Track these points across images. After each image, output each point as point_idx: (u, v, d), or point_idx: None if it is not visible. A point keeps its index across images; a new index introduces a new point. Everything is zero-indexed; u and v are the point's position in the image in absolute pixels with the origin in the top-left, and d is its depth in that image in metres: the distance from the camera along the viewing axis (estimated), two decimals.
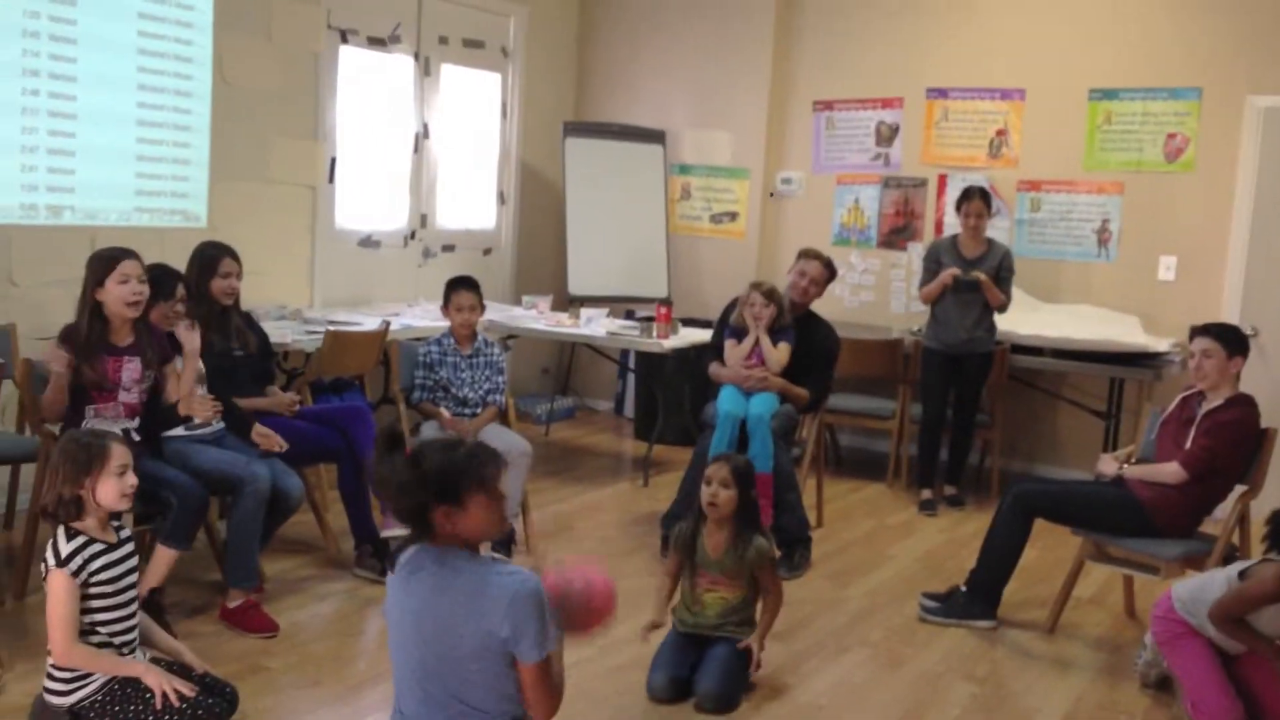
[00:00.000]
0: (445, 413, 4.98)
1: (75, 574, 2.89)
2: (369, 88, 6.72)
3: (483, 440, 4.32)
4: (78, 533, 2.94)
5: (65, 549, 2.90)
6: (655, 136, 7.85)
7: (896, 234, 7.33)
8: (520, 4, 7.66)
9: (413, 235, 7.14)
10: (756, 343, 5.09)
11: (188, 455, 4.00)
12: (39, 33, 5.00)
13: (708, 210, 7.88)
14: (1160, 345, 6.14)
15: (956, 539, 5.58)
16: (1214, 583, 3.54)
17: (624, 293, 7.60)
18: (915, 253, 7.16)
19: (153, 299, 3.97)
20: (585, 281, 7.43)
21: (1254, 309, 6.24)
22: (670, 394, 6.91)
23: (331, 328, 5.39)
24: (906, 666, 4.02)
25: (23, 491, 4.63)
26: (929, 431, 6.15)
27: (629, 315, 7.30)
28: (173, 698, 2.91)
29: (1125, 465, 4.33)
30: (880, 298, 7.39)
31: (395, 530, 4.44)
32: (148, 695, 2.91)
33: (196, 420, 4.04)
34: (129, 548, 3.06)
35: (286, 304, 6.04)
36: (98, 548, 2.94)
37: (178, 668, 3.08)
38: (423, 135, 7.12)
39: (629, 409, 7.90)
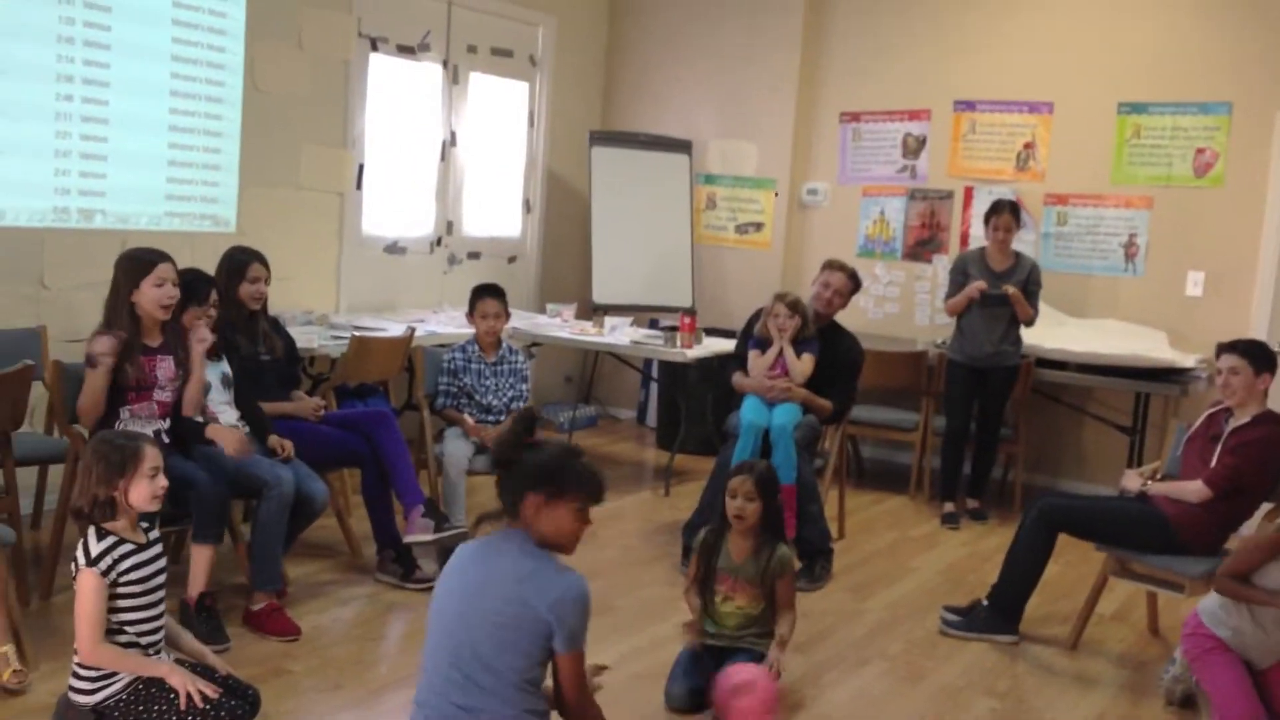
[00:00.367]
0: (469, 419, 5.01)
1: (105, 573, 2.92)
2: (398, 95, 6.77)
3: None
4: (108, 533, 2.97)
5: (95, 548, 2.93)
6: (681, 146, 7.87)
7: (922, 246, 7.32)
8: (549, 14, 7.70)
9: (439, 242, 7.18)
10: (780, 353, 5.09)
11: (214, 457, 4.03)
12: (74, 38, 5.07)
13: (733, 220, 7.88)
14: (1187, 361, 6.10)
15: (979, 553, 5.55)
16: None
17: (648, 302, 7.61)
18: (940, 265, 7.15)
19: (186, 303, 4.04)
20: (609, 290, 7.45)
21: None
22: (693, 403, 6.91)
23: (357, 333, 5.42)
24: (927, 680, 4.01)
25: (50, 492, 4.68)
26: (953, 444, 6.13)
27: (653, 324, 7.31)
28: (196, 699, 2.93)
29: (1150, 481, 4.30)
30: (905, 310, 7.38)
31: (418, 536, 4.48)
32: (172, 696, 2.94)
33: (221, 443, 4.03)
34: (157, 549, 3.09)
35: (313, 309, 6.08)
36: (128, 548, 2.97)
37: (201, 669, 3.10)
38: (450, 143, 7.16)
39: (651, 418, 7.90)
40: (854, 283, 5.32)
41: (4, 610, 3.40)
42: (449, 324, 6.29)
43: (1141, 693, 4.00)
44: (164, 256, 3.89)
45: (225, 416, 4.24)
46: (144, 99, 5.39)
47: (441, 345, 5.45)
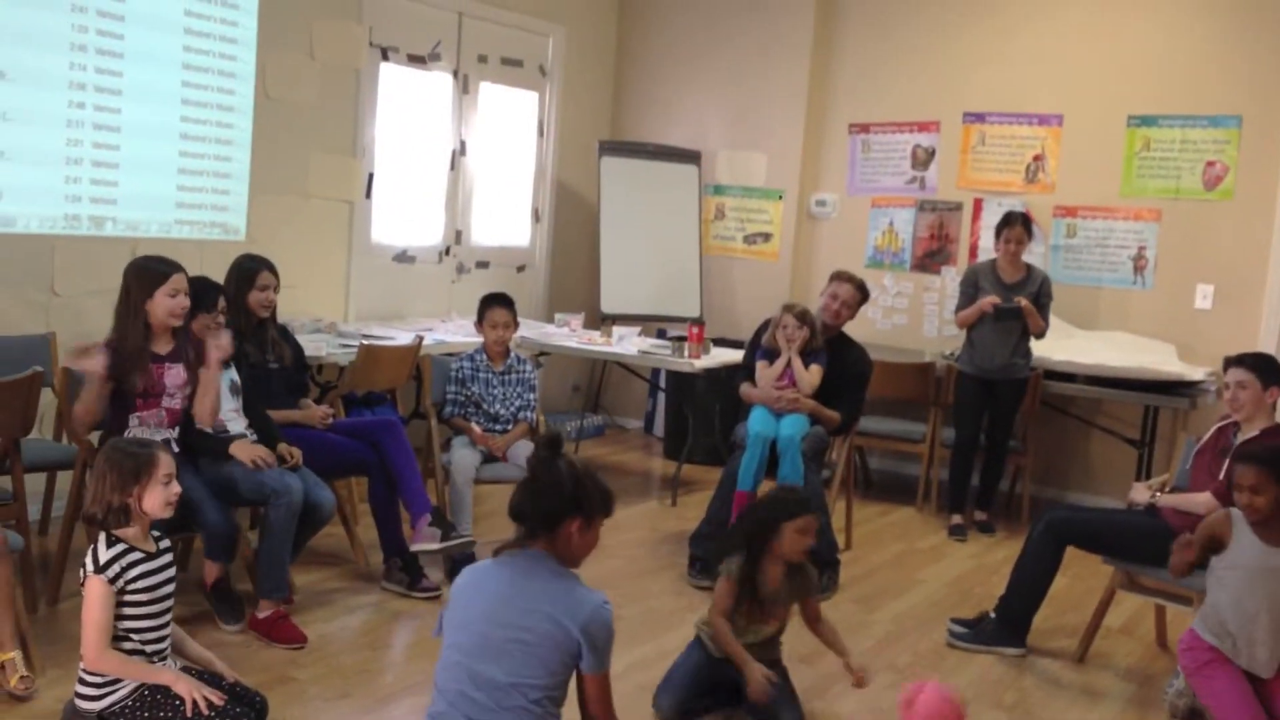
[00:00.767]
0: (476, 428, 5.01)
1: (112, 581, 2.92)
2: (408, 105, 6.79)
3: (515, 458, 4.35)
4: (118, 540, 2.97)
5: (104, 555, 2.93)
6: (690, 157, 7.88)
7: (931, 258, 7.32)
8: (559, 24, 7.72)
9: (447, 251, 7.19)
10: (788, 364, 5.09)
11: (221, 466, 4.04)
12: (86, 46, 5.09)
13: (741, 231, 7.89)
14: (1196, 374, 6.08)
15: (986, 565, 5.54)
16: None
17: (656, 312, 7.62)
18: (949, 277, 7.14)
19: (194, 311, 4.04)
20: (618, 300, 7.45)
21: None
22: (700, 414, 6.91)
23: (365, 342, 5.43)
24: None
25: (58, 499, 4.69)
26: (962, 456, 6.12)
27: (661, 334, 7.32)
28: (202, 705, 2.93)
29: (1158, 494, 4.29)
30: (913, 321, 7.37)
31: (424, 545, 4.48)
32: (177, 703, 2.93)
33: (244, 460, 4.07)
34: (167, 557, 3.10)
35: (321, 317, 6.10)
36: (136, 556, 2.98)
37: (208, 676, 3.11)
38: (460, 152, 7.17)
39: (659, 428, 7.91)
40: (862, 294, 5.32)
41: (11, 616, 3.40)
42: (457, 333, 6.30)
43: (1148, 706, 3.98)
44: (177, 267, 3.91)
45: (234, 425, 4.25)
46: (155, 107, 5.42)
47: (449, 354, 5.46)
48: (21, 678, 3.35)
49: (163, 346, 3.91)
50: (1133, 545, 4.20)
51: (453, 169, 7.15)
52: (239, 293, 4.49)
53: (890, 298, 7.42)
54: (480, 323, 5.16)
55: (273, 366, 4.61)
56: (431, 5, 6.81)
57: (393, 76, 6.65)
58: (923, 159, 7.32)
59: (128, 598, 2.95)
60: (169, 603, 3.07)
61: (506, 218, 7.65)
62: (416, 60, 6.80)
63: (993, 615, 4.42)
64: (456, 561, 4.66)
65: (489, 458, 4.95)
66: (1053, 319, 6.10)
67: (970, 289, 6.01)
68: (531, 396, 5.20)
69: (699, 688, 3.61)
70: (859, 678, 3.58)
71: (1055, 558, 4.32)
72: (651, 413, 8.10)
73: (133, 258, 4.15)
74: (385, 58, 6.58)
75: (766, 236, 7.78)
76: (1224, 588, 3.50)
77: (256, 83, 5.82)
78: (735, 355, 5.95)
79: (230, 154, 5.77)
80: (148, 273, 3.87)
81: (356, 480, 5.03)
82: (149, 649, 3.01)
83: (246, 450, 4.08)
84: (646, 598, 4.72)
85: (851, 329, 5.40)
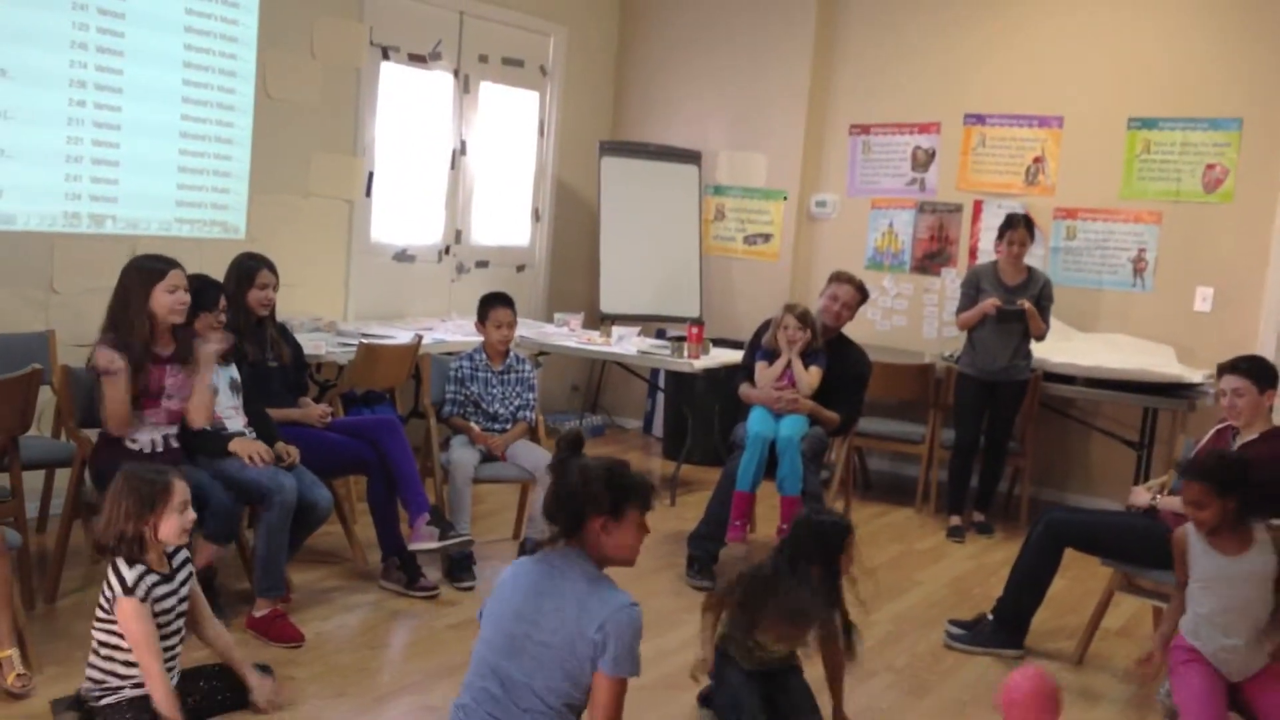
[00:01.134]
0: (475, 427, 5.01)
1: (143, 599, 2.93)
2: (408, 104, 6.79)
3: (514, 457, 4.33)
4: (136, 561, 2.98)
5: (130, 576, 2.94)
6: (691, 157, 7.88)
7: (930, 259, 7.32)
8: (560, 24, 7.72)
9: (447, 250, 7.19)
10: (788, 365, 5.09)
11: (222, 467, 4.04)
12: (87, 44, 5.09)
13: (741, 231, 7.89)
14: (1195, 376, 6.08)
15: (985, 566, 5.54)
16: None
17: (656, 312, 7.62)
18: (949, 278, 7.14)
19: (196, 309, 4.06)
20: (617, 300, 7.45)
21: None
22: (700, 414, 6.91)
23: (364, 340, 5.43)
24: (931, 694, 3.99)
25: (56, 496, 4.69)
26: (961, 458, 6.12)
27: (660, 334, 7.32)
28: None
29: (1158, 496, 4.29)
30: (913, 322, 7.37)
31: (422, 544, 4.48)
32: None
33: (242, 456, 4.08)
34: (183, 575, 3.11)
35: (321, 316, 6.10)
36: (155, 578, 2.99)
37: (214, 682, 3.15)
38: (460, 152, 7.17)
39: (658, 428, 7.91)
40: (861, 295, 5.32)
41: (9, 614, 3.40)
42: (456, 332, 6.30)
43: (1146, 709, 3.98)
44: (174, 263, 3.92)
45: (233, 423, 4.25)
46: (156, 105, 5.41)
47: (449, 353, 5.46)
48: (19, 675, 3.35)
49: (164, 348, 3.92)
50: (1131, 547, 4.20)
51: (453, 168, 7.15)
52: (238, 291, 4.49)
53: (890, 299, 7.42)
54: (482, 322, 5.16)
55: (272, 365, 4.61)
56: (432, 4, 6.81)
57: (393, 76, 6.65)
58: (923, 160, 7.32)
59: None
60: (180, 624, 3.10)
61: (506, 217, 7.65)
62: (417, 59, 6.80)
63: (991, 617, 4.42)
64: (454, 560, 4.67)
65: (488, 457, 4.95)
66: (1052, 320, 6.10)
67: (972, 291, 6.01)
68: (531, 396, 5.20)
69: (755, 703, 3.46)
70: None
71: (1054, 559, 4.32)
72: (651, 413, 8.10)
73: (131, 257, 4.16)
74: (386, 57, 6.58)
75: (766, 237, 7.78)
76: (1193, 600, 3.56)
77: (257, 81, 5.82)
78: (734, 356, 5.95)
79: (230, 153, 5.77)
80: (145, 271, 3.88)
81: (355, 479, 5.03)
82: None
83: (245, 447, 4.08)
84: (645, 598, 4.65)
85: (851, 330, 5.41)
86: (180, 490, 3.01)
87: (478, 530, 4.91)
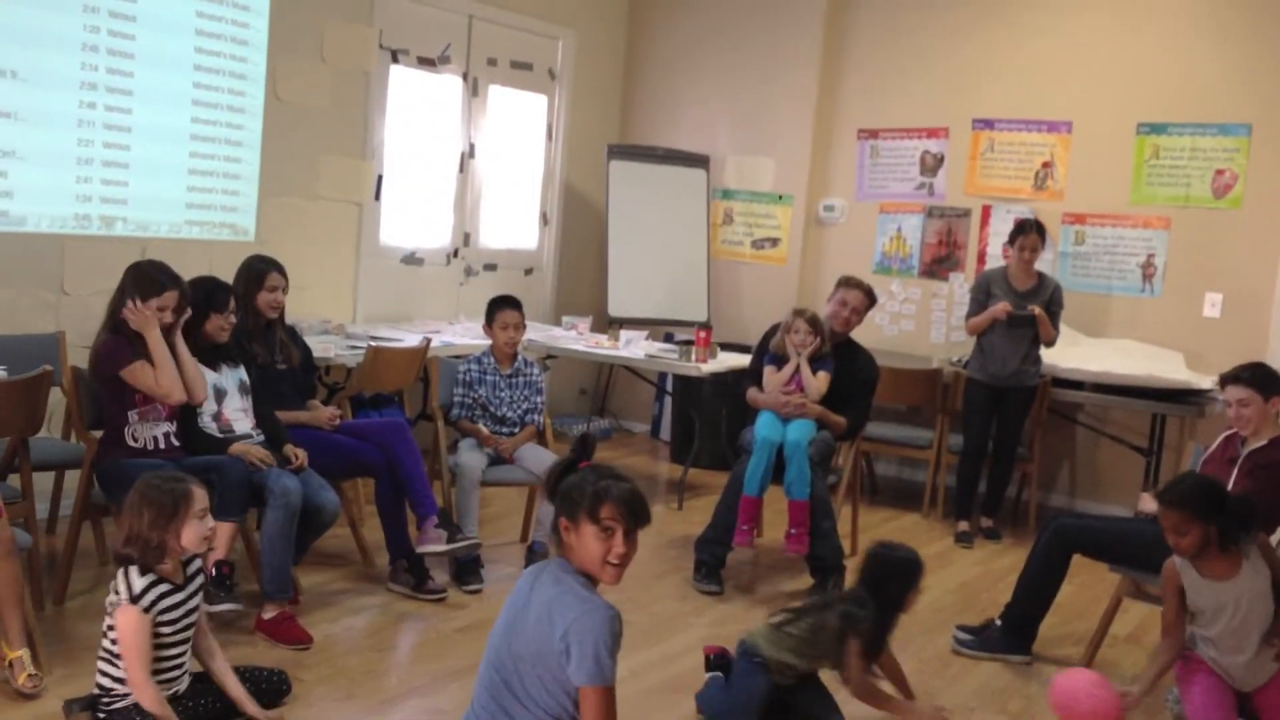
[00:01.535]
0: (484, 430, 5.02)
1: (147, 610, 2.93)
2: (418, 107, 6.80)
3: (522, 460, 4.28)
4: (148, 569, 2.98)
5: (138, 585, 2.94)
6: (699, 161, 7.88)
7: (939, 264, 7.31)
8: (568, 28, 7.73)
9: (455, 253, 7.21)
10: (796, 370, 5.08)
11: (218, 464, 4.05)
12: (98, 46, 5.11)
13: (749, 235, 7.89)
14: (1204, 382, 6.06)
15: (992, 571, 5.53)
16: None
17: (664, 316, 7.62)
18: (957, 283, 7.14)
19: (206, 311, 4.12)
20: (625, 303, 7.46)
21: None
22: (707, 418, 6.91)
23: (373, 343, 5.43)
24: (938, 699, 3.98)
25: (66, 497, 4.70)
26: (970, 463, 6.11)
27: (668, 338, 7.31)
28: None
29: None
30: (920, 327, 7.37)
31: (430, 546, 4.49)
32: None
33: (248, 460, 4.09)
34: (195, 583, 3.12)
35: (330, 318, 6.10)
36: (166, 587, 3.00)
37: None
38: (469, 155, 7.19)
39: (665, 432, 7.90)
40: (870, 300, 5.31)
41: (19, 615, 3.41)
42: (465, 335, 6.31)
43: (1154, 715, 3.97)
44: (175, 282, 3.98)
45: (241, 425, 4.26)
46: (166, 108, 5.43)
47: (457, 356, 5.47)
48: (29, 676, 3.36)
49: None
50: (1139, 553, 4.18)
51: (461, 171, 7.16)
52: (248, 293, 4.50)
53: (898, 304, 7.42)
54: (489, 324, 5.16)
55: (281, 367, 4.62)
56: (442, 8, 6.82)
57: (402, 79, 6.67)
58: (931, 165, 7.32)
59: (157, 629, 2.97)
60: (190, 633, 3.10)
61: (515, 220, 7.66)
62: (426, 63, 6.81)
63: (998, 622, 4.41)
64: (462, 563, 4.67)
65: (496, 460, 4.95)
66: (1061, 326, 6.09)
67: (981, 296, 6.00)
68: (539, 399, 5.20)
69: (763, 714, 3.49)
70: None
71: (1062, 565, 4.31)
72: (658, 417, 8.10)
73: (140, 259, 4.19)
74: (395, 60, 6.60)
75: (774, 241, 7.78)
76: (1196, 624, 3.57)
77: (267, 84, 5.84)
78: (742, 360, 5.95)
79: (240, 155, 5.79)
80: (145, 281, 3.95)
81: (363, 481, 5.04)
82: (167, 676, 3.04)
83: (245, 452, 4.09)
84: (651, 602, 4.72)
85: (858, 334, 5.40)
86: (200, 498, 3.02)
87: (485, 533, 4.91)
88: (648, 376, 7.71)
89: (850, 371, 5.20)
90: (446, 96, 7.00)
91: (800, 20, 7.54)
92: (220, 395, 4.23)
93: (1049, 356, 6.13)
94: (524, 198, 7.72)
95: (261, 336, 4.56)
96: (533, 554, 4.88)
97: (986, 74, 7.10)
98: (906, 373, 6.34)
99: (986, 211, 7.14)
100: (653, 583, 4.93)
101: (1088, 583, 5.02)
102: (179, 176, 5.54)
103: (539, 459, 4.91)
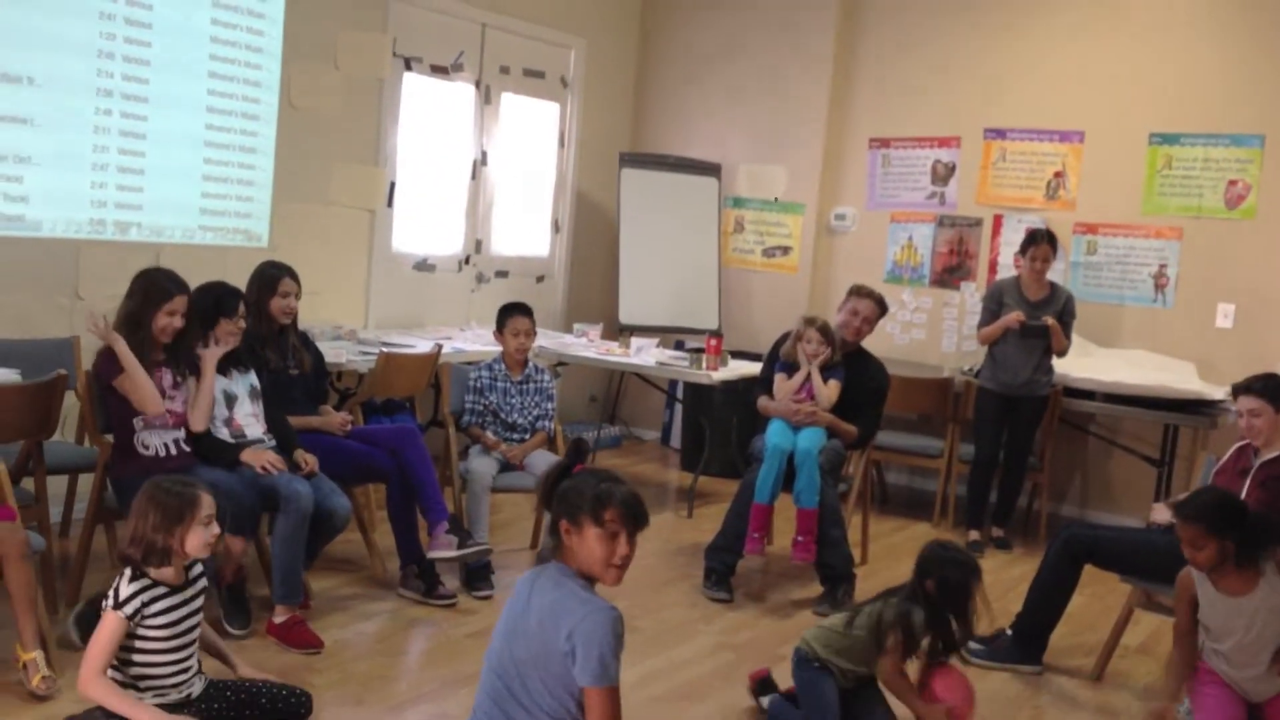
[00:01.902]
0: (492, 437, 5.03)
1: (130, 618, 2.95)
2: (430, 114, 6.83)
3: (532, 467, 4.29)
4: (142, 574, 2.99)
5: (125, 591, 2.96)
6: (710, 169, 7.89)
7: (950, 273, 7.31)
8: (581, 36, 7.76)
9: (467, 260, 7.22)
10: (807, 378, 5.09)
11: (238, 471, 4.07)
12: (114, 54, 5.14)
13: (760, 244, 7.90)
14: (1216, 393, 6.04)
15: (1003, 581, 5.51)
16: None
17: (674, 323, 7.63)
18: (968, 292, 7.13)
19: (216, 317, 4.13)
20: (636, 311, 7.47)
21: None
22: (717, 426, 6.91)
23: (385, 349, 5.45)
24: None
25: (79, 501, 4.72)
26: (981, 472, 6.10)
27: (679, 346, 7.32)
28: None
29: None
30: (931, 336, 7.36)
31: (441, 552, 4.50)
32: None
33: (255, 466, 4.11)
34: (197, 586, 3.12)
35: (342, 324, 6.12)
36: (159, 591, 3.01)
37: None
38: (481, 162, 7.21)
39: (675, 439, 7.91)
40: (881, 309, 5.31)
41: (33, 617, 3.43)
42: (476, 342, 6.32)
43: None
44: (183, 289, 4.00)
45: (252, 429, 4.28)
46: (181, 114, 5.46)
47: (468, 363, 5.48)
48: (43, 678, 3.38)
49: (155, 353, 4.01)
50: (1151, 564, 4.18)
51: (474, 179, 7.18)
52: (261, 299, 4.53)
53: (909, 313, 7.41)
54: (500, 331, 5.17)
55: (293, 373, 4.64)
56: (455, 16, 6.85)
57: (415, 86, 6.69)
58: (943, 174, 7.32)
59: (146, 632, 2.98)
60: (193, 634, 3.10)
61: (526, 228, 7.68)
62: (439, 70, 6.84)
63: (1009, 632, 4.40)
64: (472, 569, 4.68)
65: (506, 466, 4.96)
66: (1073, 336, 6.08)
67: (994, 305, 6.00)
68: (549, 406, 5.21)
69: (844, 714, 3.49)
70: None
71: (1073, 575, 4.30)
72: (668, 424, 8.10)
73: (158, 264, 4.21)
74: (408, 68, 6.62)
75: (785, 250, 7.78)
76: (1209, 638, 3.57)
77: (281, 92, 5.87)
78: (753, 368, 5.95)
79: (254, 162, 5.82)
80: (155, 288, 3.97)
81: (374, 487, 5.05)
82: (169, 681, 3.04)
83: (256, 457, 4.11)
84: (661, 609, 4.72)
85: (869, 343, 5.40)
86: (207, 504, 3.03)
87: (495, 539, 4.92)
88: (658, 384, 7.72)
89: (861, 380, 5.20)
90: (459, 104, 7.02)
91: (813, 29, 7.55)
92: (231, 400, 4.25)
93: (1061, 366, 6.12)
94: (536, 205, 7.74)
95: (274, 342, 4.58)
96: (541, 559, 4.88)
97: (998, 83, 7.10)
98: (918, 382, 6.33)
99: (998, 221, 7.14)
100: (662, 589, 4.93)
101: (1099, 593, 5.01)
102: (193, 182, 5.57)
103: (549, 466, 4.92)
